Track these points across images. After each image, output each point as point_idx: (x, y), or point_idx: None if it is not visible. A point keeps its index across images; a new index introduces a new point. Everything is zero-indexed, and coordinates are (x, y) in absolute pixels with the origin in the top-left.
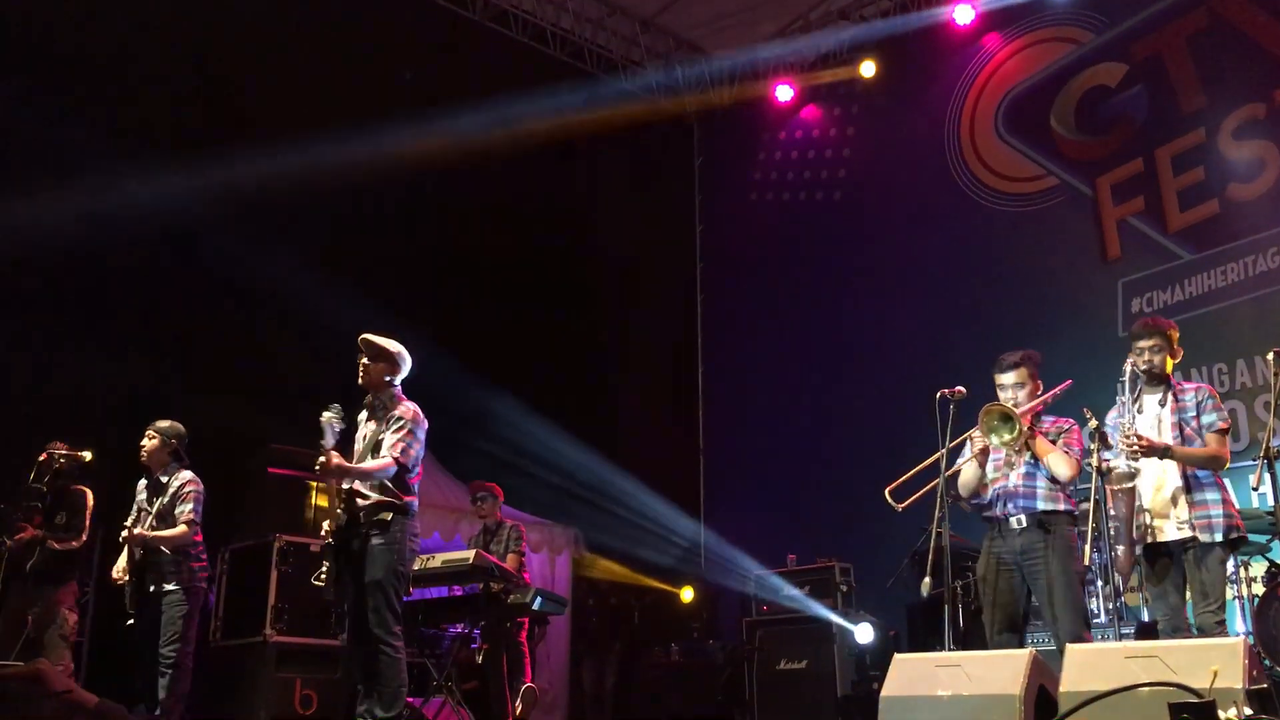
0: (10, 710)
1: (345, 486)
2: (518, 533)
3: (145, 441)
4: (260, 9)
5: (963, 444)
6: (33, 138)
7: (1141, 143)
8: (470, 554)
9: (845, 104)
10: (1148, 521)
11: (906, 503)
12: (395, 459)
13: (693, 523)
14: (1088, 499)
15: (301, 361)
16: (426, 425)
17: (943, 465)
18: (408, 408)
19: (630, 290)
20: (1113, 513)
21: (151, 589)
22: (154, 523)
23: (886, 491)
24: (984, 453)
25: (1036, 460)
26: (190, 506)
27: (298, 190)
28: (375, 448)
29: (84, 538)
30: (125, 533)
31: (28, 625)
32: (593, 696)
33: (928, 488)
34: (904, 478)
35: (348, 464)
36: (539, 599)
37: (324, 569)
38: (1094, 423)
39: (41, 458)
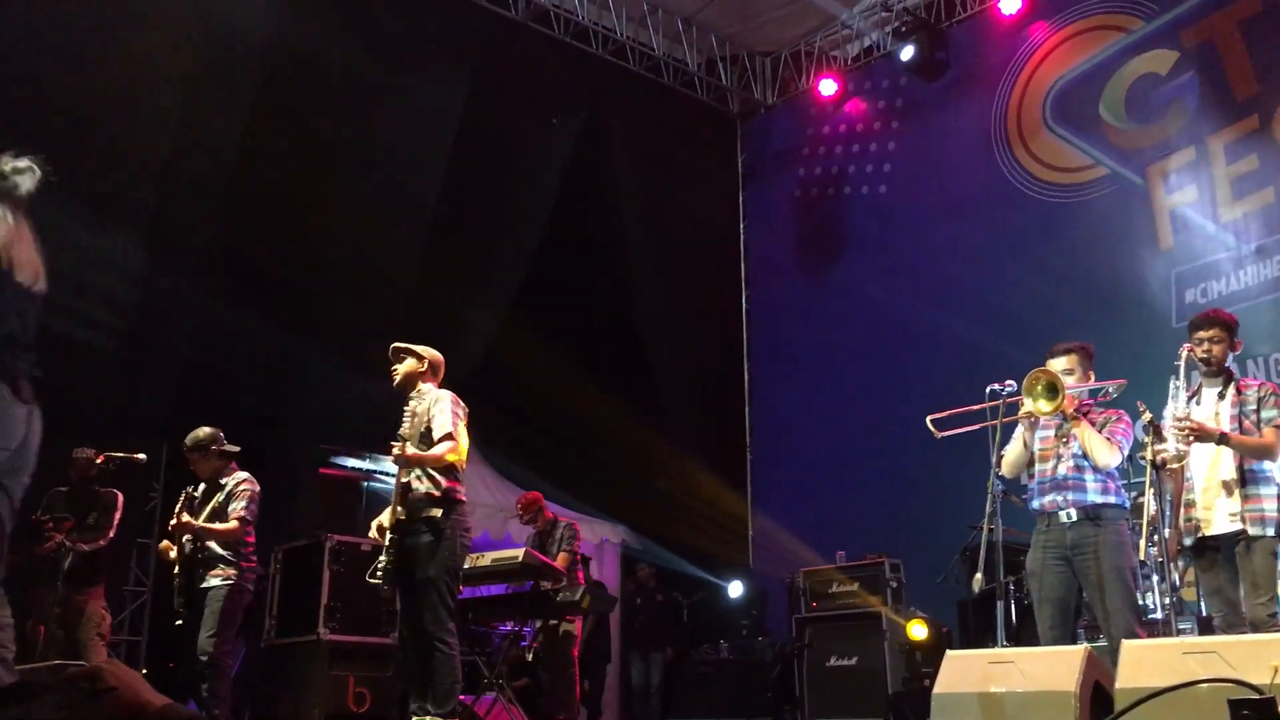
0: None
1: (404, 480)
2: (571, 531)
3: (195, 464)
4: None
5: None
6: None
7: (1193, 131)
8: (519, 552)
9: (890, 98)
10: (1198, 515)
11: (947, 432)
12: (450, 433)
13: (740, 519)
14: (1143, 493)
15: (352, 365)
16: (464, 407)
17: (993, 460)
18: (443, 393)
19: (675, 288)
20: (1154, 494)
21: (198, 588)
22: (208, 516)
23: (929, 419)
24: (1031, 424)
25: (1085, 452)
26: (243, 504)
27: (344, 187)
28: (426, 432)
29: (111, 534)
30: (174, 520)
31: (58, 627)
32: (641, 694)
33: (974, 427)
34: (953, 411)
35: (420, 453)
36: (589, 597)
37: (380, 562)
38: (1147, 415)
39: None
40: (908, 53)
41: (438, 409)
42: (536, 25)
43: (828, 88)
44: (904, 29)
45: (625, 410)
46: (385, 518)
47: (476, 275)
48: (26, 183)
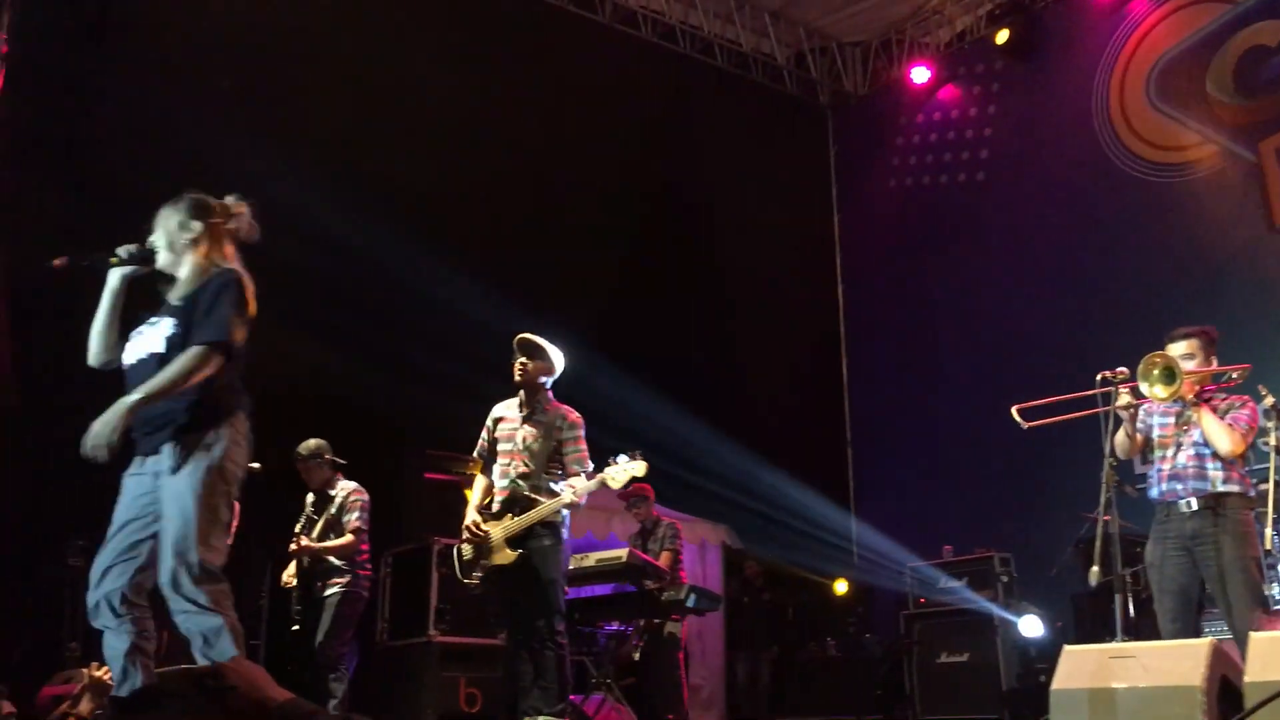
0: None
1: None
2: (673, 530)
3: (305, 474)
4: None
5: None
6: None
7: None
8: (623, 552)
9: (985, 82)
10: None
11: (1036, 423)
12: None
13: (843, 515)
14: (1266, 480)
15: (457, 368)
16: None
17: (1106, 449)
18: (574, 415)
19: (770, 283)
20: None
21: (317, 596)
22: (323, 530)
23: (1014, 409)
24: (1130, 415)
25: (1206, 440)
26: (356, 515)
27: (441, 194)
28: (552, 455)
29: (229, 542)
30: (294, 543)
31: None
32: (748, 692)
33: (1067, 417)
34: (1041, 401)
35: (588, 488)
36: (693, 596)
37: (484, 564)
38: (1270, 399)
39: None
40: (1002, 36)
41: (575, 438)
42: (623, 27)
43: (920, 75)
44: (997, 11)
45: (722, 408)
46: (478, 515)
47: (566, 277)
48: (245, 225)
